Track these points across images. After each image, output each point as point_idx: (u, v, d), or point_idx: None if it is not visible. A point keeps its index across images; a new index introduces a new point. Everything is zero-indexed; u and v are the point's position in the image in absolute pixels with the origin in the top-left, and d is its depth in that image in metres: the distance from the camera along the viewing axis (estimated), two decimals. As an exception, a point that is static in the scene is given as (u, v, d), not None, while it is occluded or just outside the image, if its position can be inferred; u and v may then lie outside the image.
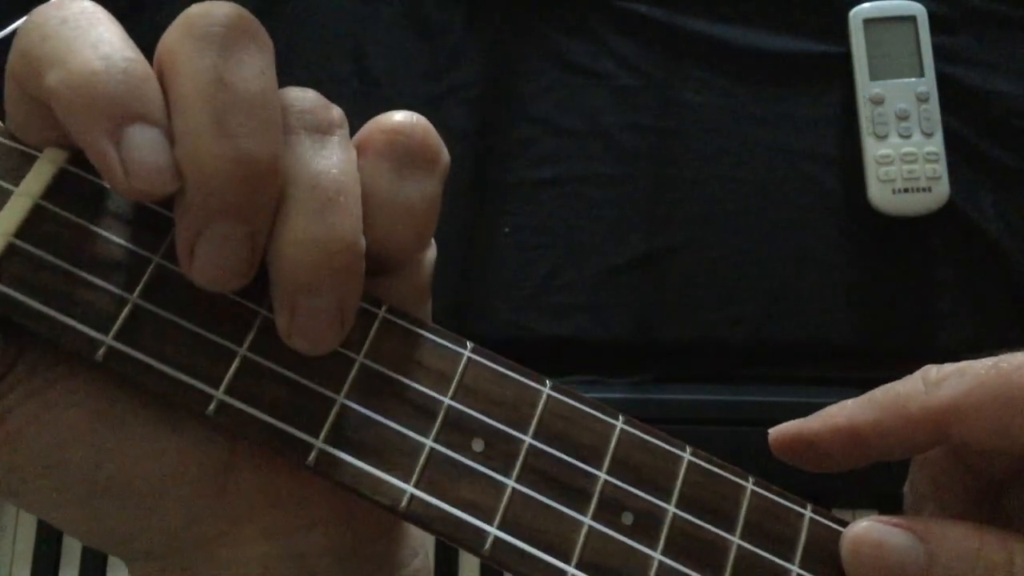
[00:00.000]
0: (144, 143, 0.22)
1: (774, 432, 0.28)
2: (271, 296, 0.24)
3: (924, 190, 0.69)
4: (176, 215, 0.23)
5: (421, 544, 0.30)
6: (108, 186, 0.23)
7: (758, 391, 0.65)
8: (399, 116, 0.26)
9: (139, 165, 0.22)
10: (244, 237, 0.23)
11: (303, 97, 0.25)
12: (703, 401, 0.64)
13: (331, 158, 0.24)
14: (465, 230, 0.70)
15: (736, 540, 0.25)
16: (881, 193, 0.69)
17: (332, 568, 0.26)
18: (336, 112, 0.25)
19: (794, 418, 0.28)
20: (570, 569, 0.24)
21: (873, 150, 0.70)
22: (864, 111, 0.70)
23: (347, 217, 0.23)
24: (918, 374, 0.26)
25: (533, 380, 0.25)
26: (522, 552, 0.24)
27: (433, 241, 0.28)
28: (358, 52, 0.74)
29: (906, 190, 0.69)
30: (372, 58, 0.74)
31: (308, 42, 0.74)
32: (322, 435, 0.24)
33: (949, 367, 0.25)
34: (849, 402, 0.27)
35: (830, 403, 0.68)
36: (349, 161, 0.24)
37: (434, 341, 0.25)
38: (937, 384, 0.25)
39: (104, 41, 0.22)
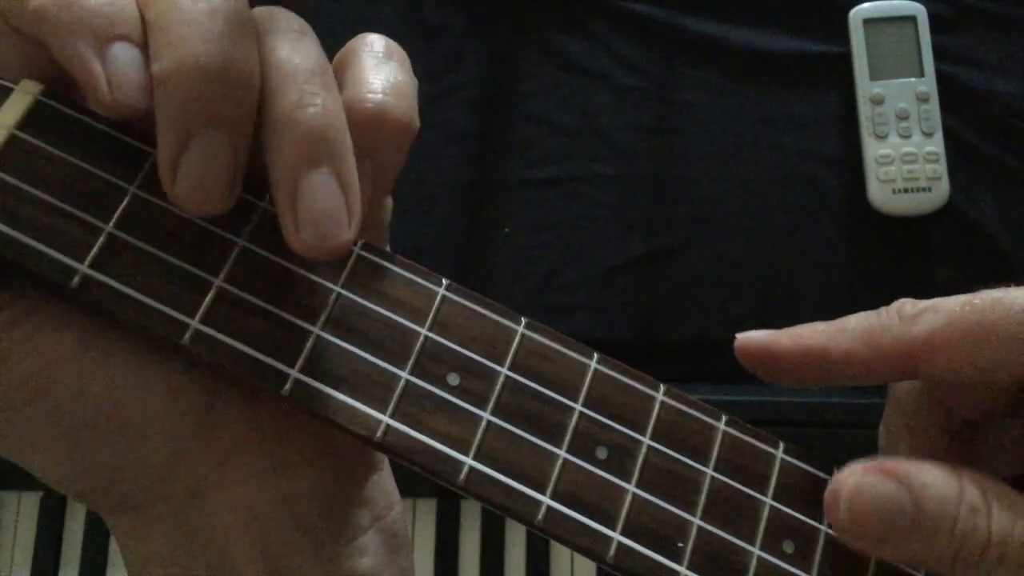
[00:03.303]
0: (128, 60, 0.23)
1: (742, 338, 0.28)
2: (272, 195, 0.24)
3: (924, 190, 0.69)
4: (159, 132, 0.23)
5: (398, 499, 0.30)
6: (90, 102, 0.24)
7: (758, 391, 0.65)
8: (373, 35, 0.28)
9: (123, 79, 0.23)
10: (228, 149, 0.23)
11: (276, 11, 0.26)
12: (703, 401, 0.63)
13: (307, 49, 0.25)
14: (465, 230, 0.70)
15: (709, 473, 0.25)
16: (881, 193, 0.69)
17: (316, 513, 0.27)
18: (306, 24, 0.26)
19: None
20: (545, 499, 0.24)
21: (873, 150, 0.70)
22: (864, 111, 0.70)
23: (330, 93, 0.24)
24: (893, 307, 0.26)
25: (508, 317, 0.26)
26: (497, 482, 0.24)
27: (390, 198, 0.29)
28: (358, 52, 0.74)
29: (906, 190, 0.69)
30: (372, 58, 0.74)
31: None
32: (298, 365, 0.24)
33: (924, 303, 0.26)
34: (821, 325, 0.27)
35: (830, 402, 0.68)
36: (323, 55, 0.25)
37: (409, 277, 0.26)
38: (912, 319, 0.26)
39: None
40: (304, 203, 0.24)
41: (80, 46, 0.23)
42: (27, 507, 0.64)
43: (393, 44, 0.27)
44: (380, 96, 0.26)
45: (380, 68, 0.26)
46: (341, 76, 0.26)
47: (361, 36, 0.27)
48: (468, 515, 0.64)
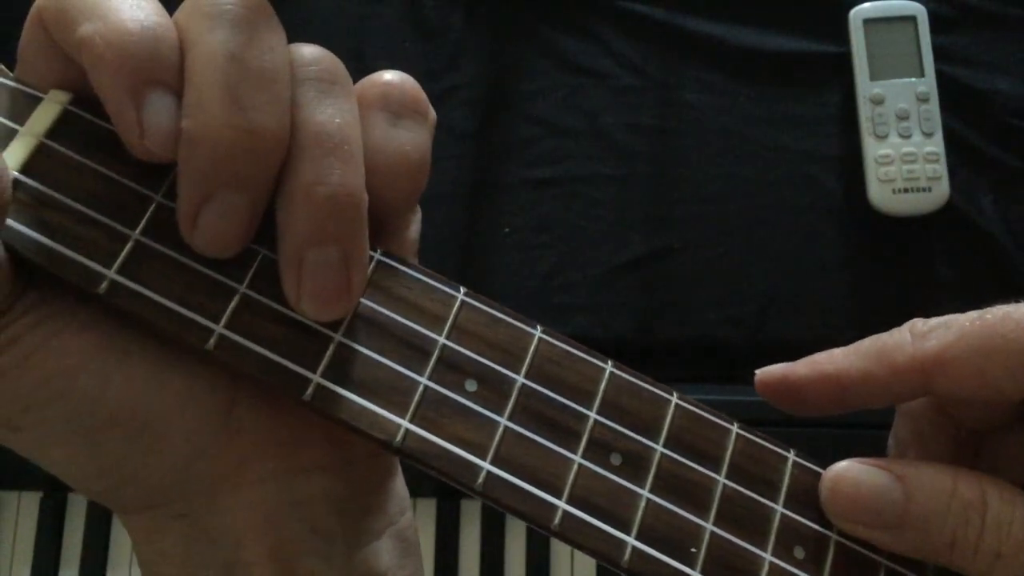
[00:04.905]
0: (163, 109, 0.23)
1: (761, 373, 0.29)
2: (278, 259, 0.25)
3: (924, 190, 0.69)
4: (181, 183, 0.24)
5: (409, 504, 0.30)
6: (115, 130, 0.24)
7: (758, 391, 0.65)
8: (389, 74, 0.27)
9: (155, 128, 0.23)
10: (247, 205, 0.24)
11: (308, 50, 0.26)
12: (703, 401, 0.63)
13: (335, 107, 0.25)
14: (465, 230, 0.70)
15: (722, 480, 0.26)
16: (881, 193, 0.69)
17: (329, 517, 0.27)
18: (340, 65, 0.26)
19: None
20: (561, 504, 0.24)
21: (873, 150, 0.70)
22: (864, 111, 0.70)
23: (351, 165, 0.24)
24: (906, 326, 0.27)
25: (525, 324, 0.26)
26: (514, 487, 0.24)
27: (419, 207, 0.29)
28: (358, 52, 0.74)
29: (906, 190, 0.69)
30: (372, 58, 0.74)
31: (308, 42, 0.74)
32: (319, 370, 0.24)
33: (936, 320, 0.26)
34: (836, 351, 0.28)
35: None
36: (352, 112, 0.25)
37: (429, 284, 0.26)
38: (924, 336, 0.26)
39: (140, 4, 0.24)
40: (307, 279, 0.24)
41: (118, 88, 0.23)
42: (27, 507, 0.64)
43: (408, 89, 0.27)
44: (391, 163, 0.26)
45: (392, 132, 0.26)
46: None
47: (377, 81, 0.27)
48: (468, 515, 0.64)
